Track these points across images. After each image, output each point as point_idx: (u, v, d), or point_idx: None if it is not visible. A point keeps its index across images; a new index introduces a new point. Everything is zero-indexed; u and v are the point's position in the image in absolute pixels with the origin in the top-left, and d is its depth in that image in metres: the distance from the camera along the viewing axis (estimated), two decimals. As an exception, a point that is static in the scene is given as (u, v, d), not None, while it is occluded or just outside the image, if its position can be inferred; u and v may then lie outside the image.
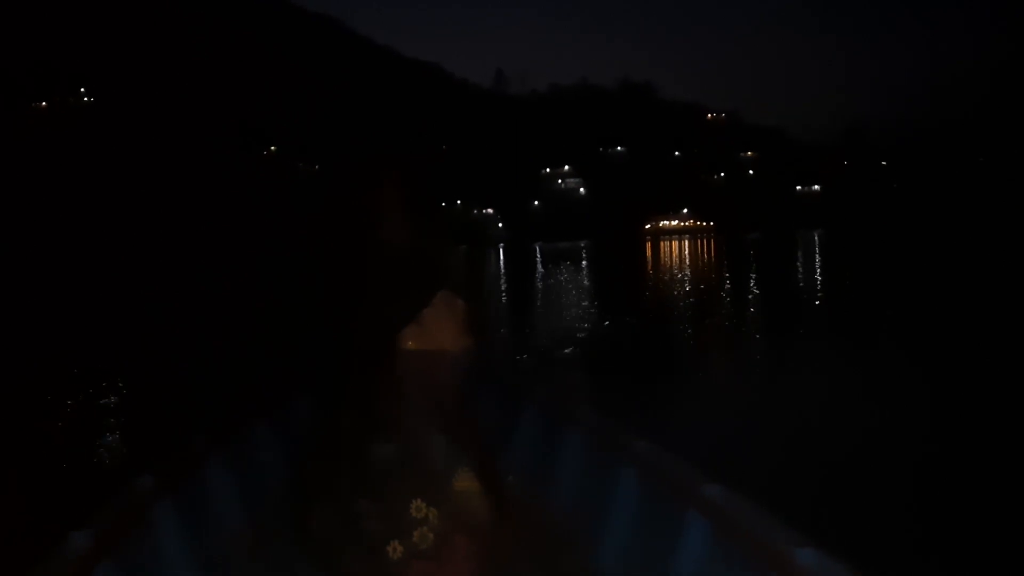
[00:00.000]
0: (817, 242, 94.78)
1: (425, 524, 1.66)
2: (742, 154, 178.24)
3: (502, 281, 47.09)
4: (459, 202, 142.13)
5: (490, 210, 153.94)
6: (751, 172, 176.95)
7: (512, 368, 13.00)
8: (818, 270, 46.82)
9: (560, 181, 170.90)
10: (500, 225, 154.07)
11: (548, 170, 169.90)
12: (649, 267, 59.95)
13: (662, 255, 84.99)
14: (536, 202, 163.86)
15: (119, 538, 2.96)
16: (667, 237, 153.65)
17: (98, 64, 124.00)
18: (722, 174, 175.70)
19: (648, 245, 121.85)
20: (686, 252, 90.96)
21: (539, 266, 66.73)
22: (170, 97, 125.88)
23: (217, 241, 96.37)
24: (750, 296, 30.98)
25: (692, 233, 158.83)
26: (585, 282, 44.85)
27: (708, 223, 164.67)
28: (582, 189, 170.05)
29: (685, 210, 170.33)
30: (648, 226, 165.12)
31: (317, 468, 1.75)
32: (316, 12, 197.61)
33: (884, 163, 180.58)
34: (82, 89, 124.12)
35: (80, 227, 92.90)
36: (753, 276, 42.84)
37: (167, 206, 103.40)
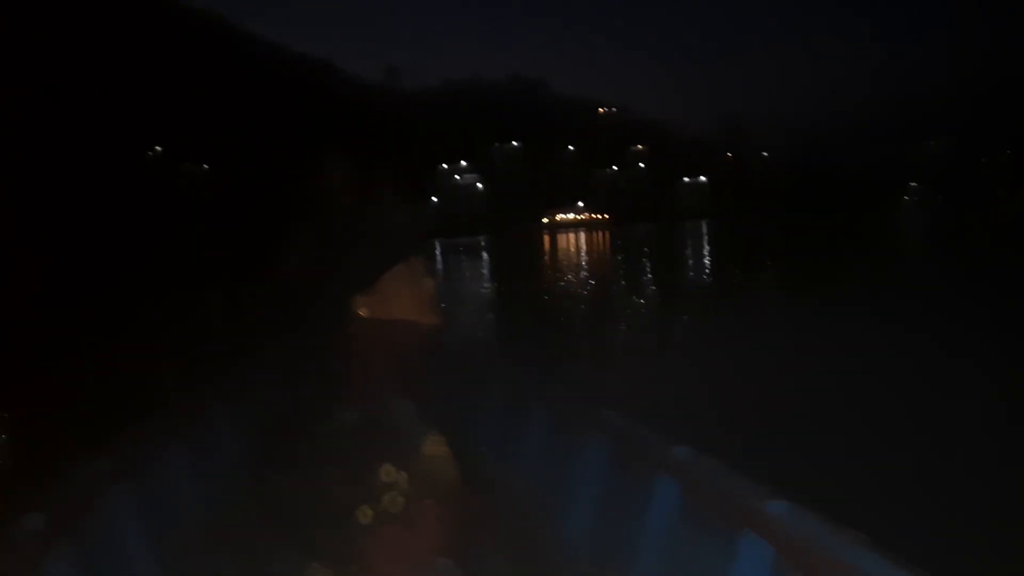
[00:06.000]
0: (704, 231, 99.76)
1: (395, 488, 1.61)
2: (632, 147, 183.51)
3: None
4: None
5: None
6: (641, 165, 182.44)
7: (472, 340, 13.91)
8: (704, 255, 49.73)
9: (457, 177, 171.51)
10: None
11: (445, 166, 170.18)
12: (547, 258, 61.64)
13: (559, 247, 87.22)
14: (434, 199, 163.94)
15: (75, 520, 2.90)
16: (564, 230, 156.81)
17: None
18: (614, 167, 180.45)
19: (546, 238, 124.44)
20: (582, 243, 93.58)
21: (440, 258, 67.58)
22: (45, 99, 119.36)
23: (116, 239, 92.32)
24: (636, 275, 32.96)
25: (588, 226, 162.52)
26: (486, 269, 46.05)
27: (603, 216, 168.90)
28: (479, 184, 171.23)
29: (580, 204, 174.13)
30: (545, 220, 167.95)
31: (279, 441, 1.62)
32: (199, 8, 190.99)
33: (765, 154, 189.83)
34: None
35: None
36: (644, 260, 45.16)
37: (61, 209, 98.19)
